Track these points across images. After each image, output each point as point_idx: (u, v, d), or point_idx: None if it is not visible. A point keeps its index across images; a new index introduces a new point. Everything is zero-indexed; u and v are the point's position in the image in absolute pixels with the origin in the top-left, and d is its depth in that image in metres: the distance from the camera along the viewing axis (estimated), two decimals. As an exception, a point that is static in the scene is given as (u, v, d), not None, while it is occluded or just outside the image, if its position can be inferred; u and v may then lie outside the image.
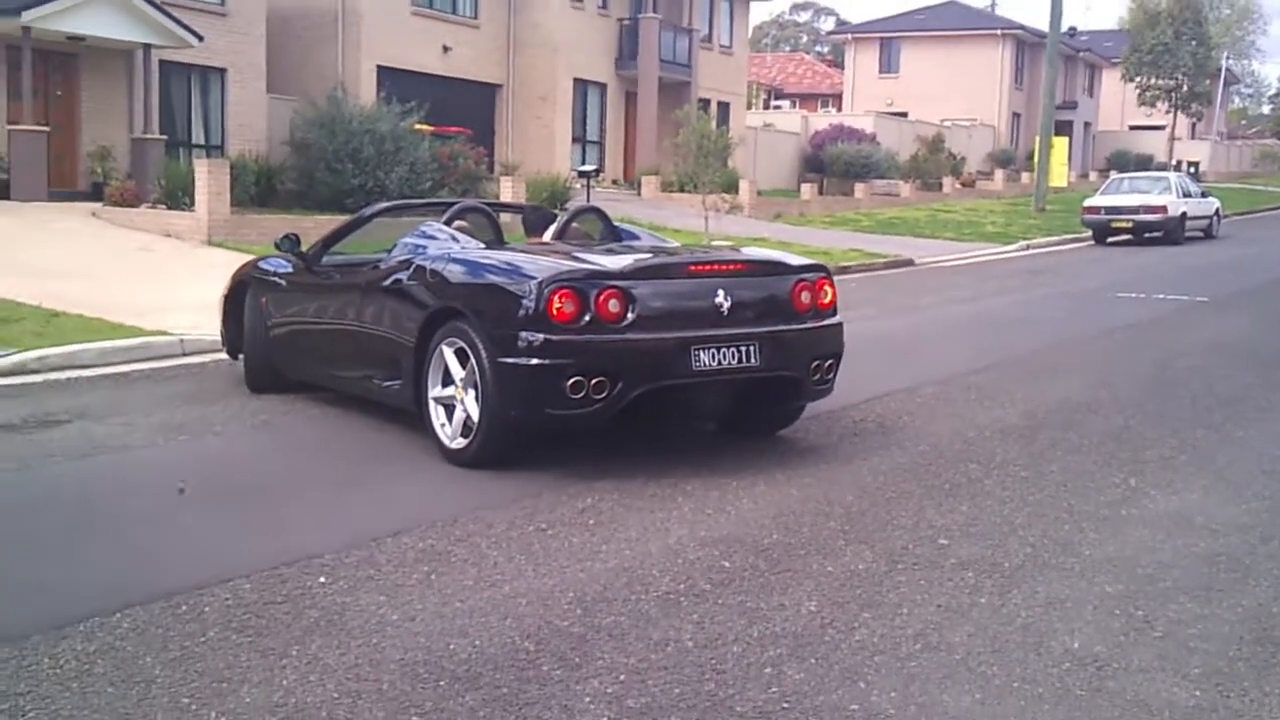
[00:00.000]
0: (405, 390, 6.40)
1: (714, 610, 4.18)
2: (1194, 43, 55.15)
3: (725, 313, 5.92)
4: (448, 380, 6.08)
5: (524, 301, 5.67)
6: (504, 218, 8.65)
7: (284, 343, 7.74)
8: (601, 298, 5.64)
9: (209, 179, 16.71)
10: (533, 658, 3.75)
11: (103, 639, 3.82)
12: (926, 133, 45.41)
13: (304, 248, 7.71)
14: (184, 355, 9.48)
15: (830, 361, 6.46)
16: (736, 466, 6.17)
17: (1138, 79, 56.35)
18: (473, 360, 5.84)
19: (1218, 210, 28.75)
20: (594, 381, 5.58)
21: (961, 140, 47.81)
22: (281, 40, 24.93)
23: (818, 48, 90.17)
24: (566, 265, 5.87)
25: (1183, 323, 12.57)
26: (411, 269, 6.49)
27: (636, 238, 7.61)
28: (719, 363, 5.85)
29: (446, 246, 6.55)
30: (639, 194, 29.46)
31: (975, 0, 59.71)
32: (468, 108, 27.96)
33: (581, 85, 31.50)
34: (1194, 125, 65.96)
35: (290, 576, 4.41)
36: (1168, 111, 57.25)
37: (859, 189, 35.24)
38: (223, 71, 22.99)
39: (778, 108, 57.69)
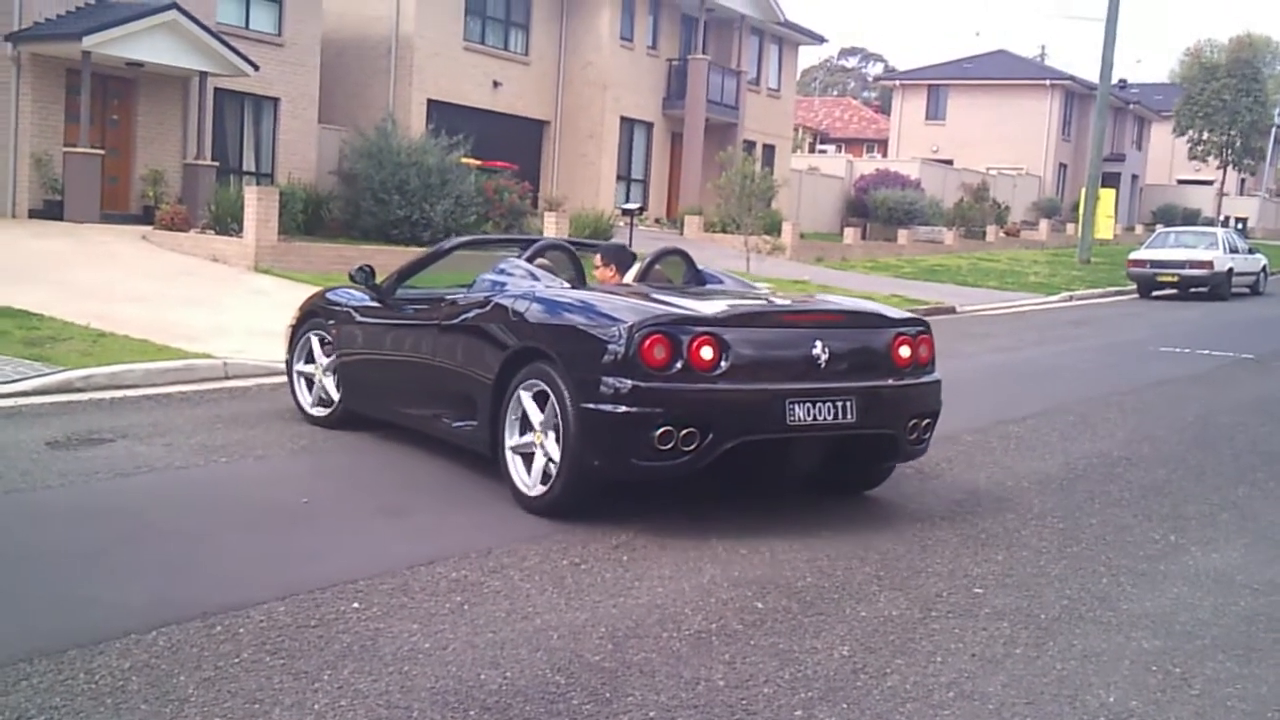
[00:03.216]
0: (480, 432, 6.19)
1: (745, 651, 4.17)
2: (1249, 98, 54.80)
3: (822, 365, 5.64)
4: (526, 424, 5.86)
5: (612, 346, 5.40)
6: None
7: (351, 376, 7.58)
8: (694, 345, 5.36)
9: (258, 206, 16.93)
10: (563, 691, 3.75)
11: (138, 656, 3.85)
12: (972, 181, 45.34)
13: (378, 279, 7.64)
14: (227, 379, 9.58)
15: (928, 420, 6.14)
16: (770, 508, 6.15)
17: (1189, 132, 56.02)
18: (555, 404, 5.60)
19: (1265, 267, 28.48)
20: (684, 432, 5.31)
21: (1006, 189, 47.67)
22: (335, 71, 25.30)
23: (865, 93, 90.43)
24: (658, 309, 5.60)
25: (1227, 379, 12.43)
26: (491, 306, 6.27)
27: (720, 282, 7.27)
28: (814, 418, 5.56)
29: (528, 284, 6.31)
30: (681, 233, 29.56)
31: (1025, 50, 59.70)
32: (515, 143, 28.22)
33: (628, 124, 31.73)
34: (1243, 181, 65.47)
35: (324, 601, 4.44)
36: (1218, 167, 56.87)
37: (902, 235, 35.18)
38: (276, 101, 23.34)
39: (823, 152, 57.78)
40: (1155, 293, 25.72)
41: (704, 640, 4.25)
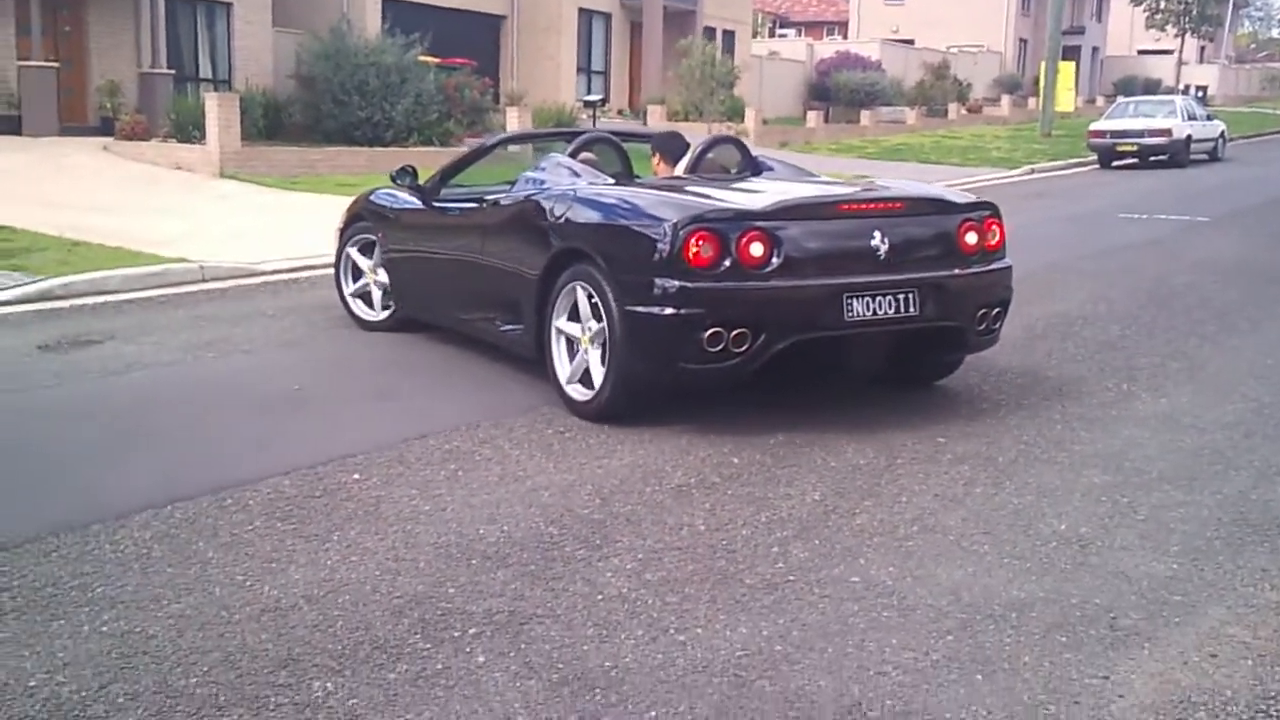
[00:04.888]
0: (526, 335, 6.01)
1: (724, 499, 4.47)
2: (1203, -36, 54.60)
3: (882, 256, 5.32)
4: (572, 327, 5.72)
5: (657, 245, 5.15)
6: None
7: (401, 281, 7.43)
8: (743, 240, 5.09)
9: (219, 112, 16.86)
10: (557, 540, 4.04)
11: (157, 527, 4.11)
12: (933, 60, 45.20)
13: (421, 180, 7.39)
14: (204, 281, 9.72)
15: (998, 310, 5.86)
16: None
17: (1146, 2, 55.80)
18: (600, 307, 5.41)
19: (1223, 133, 28.72)
20: (734, 334, 5.07)
21: (967, 67, 47.55)
22: (285, -28, 24.88)
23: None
24: (703, 204, 5.33)
25: (1182, 242, 12.75)
26: (532, 206, 6.04)
27: (774, 170, 6.92)
28: (875, 312, 5.28)
29: (572, 182, 6.07)
30: (645, 123, 29.48)
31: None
32: (472, 39, 27.94)
33: (586, 15, 31.42)
34: (1202, 49, 65.44)
35: (326, 474, 4.70)
36: (1176, 35, 56.78)
37: (865, 117, 35.20)
38: (229, 6, 22.99)
39: (783, 36, 57.32)
40: (1115, 163, 25.95)
41: (684, 492, 4.55)
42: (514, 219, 6.22)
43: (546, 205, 5.93)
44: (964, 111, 41.19)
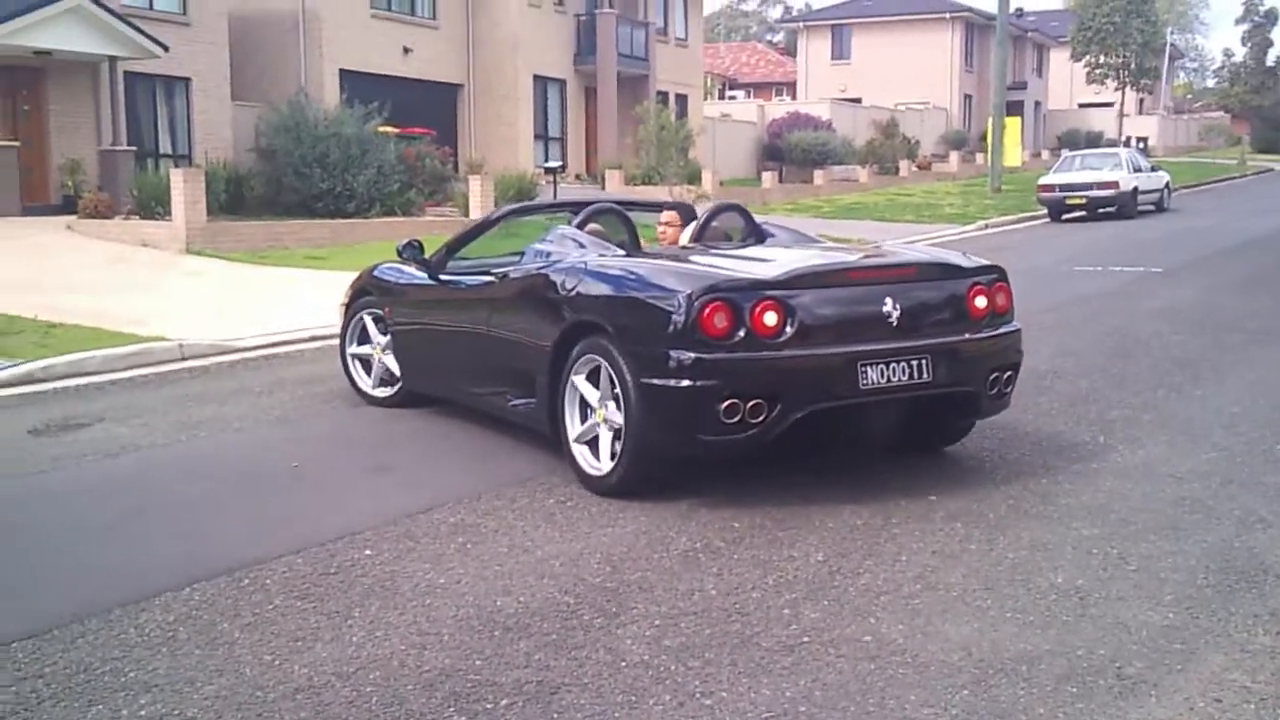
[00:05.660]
0: (539, 410, 5.97)
1: (731, 563, 4.59)
2: (1140, 19, 56.08)
3: (894, 323, 5.34)
4: (586, 403, 5.67)
5: (672, 316, 5.14)
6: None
7: (409, 355, 7.42)
8: (757, 310, 5.10)
9: (185, 188, 16.92)
10: (574, 609, 4.14)
11: (179, 610, 4.18)
12: (881, 118, 46.06)
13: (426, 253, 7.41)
14: (184, 359, 9.76)
15: (1009, 373, 5.87)
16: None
17: (1086, 57, 57.23)
18: (614, 380, 5.38)
19: (1168, 184, 29.44)
20: (750, 404, 5.06)
21: (915, 124, 48.48)
22: (244, 47, 25.09)
23: (768, 36, 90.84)
24: (717, 274, 5.35)
25: (1139, 293, 13.09)
26: (542, 280, 6.03)
27: (778, 236, 6.98)
28: (889, 379, 5.28)
29: (580, 254, 6.06)
30: (603, 188, 29.80)
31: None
32: (431, 108, 28.23)
33: (541, 82, 31.81)
34: (1142, 101, 67.05)
35: (338, 551, 4.78)
36: (1116, 88, 58.18)
37: (818, 176, 35.77)
38: (187, 81, 23.14)
39: (733, 98, 58.20)
40: (1065, 215, 26.53)
41: (692, 557, 4.67)
42: (524, 293, 6.22)
43: (557, 279, 5.92)
44: (914, 168, 41.96)
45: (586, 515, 5.24)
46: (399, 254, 7.47)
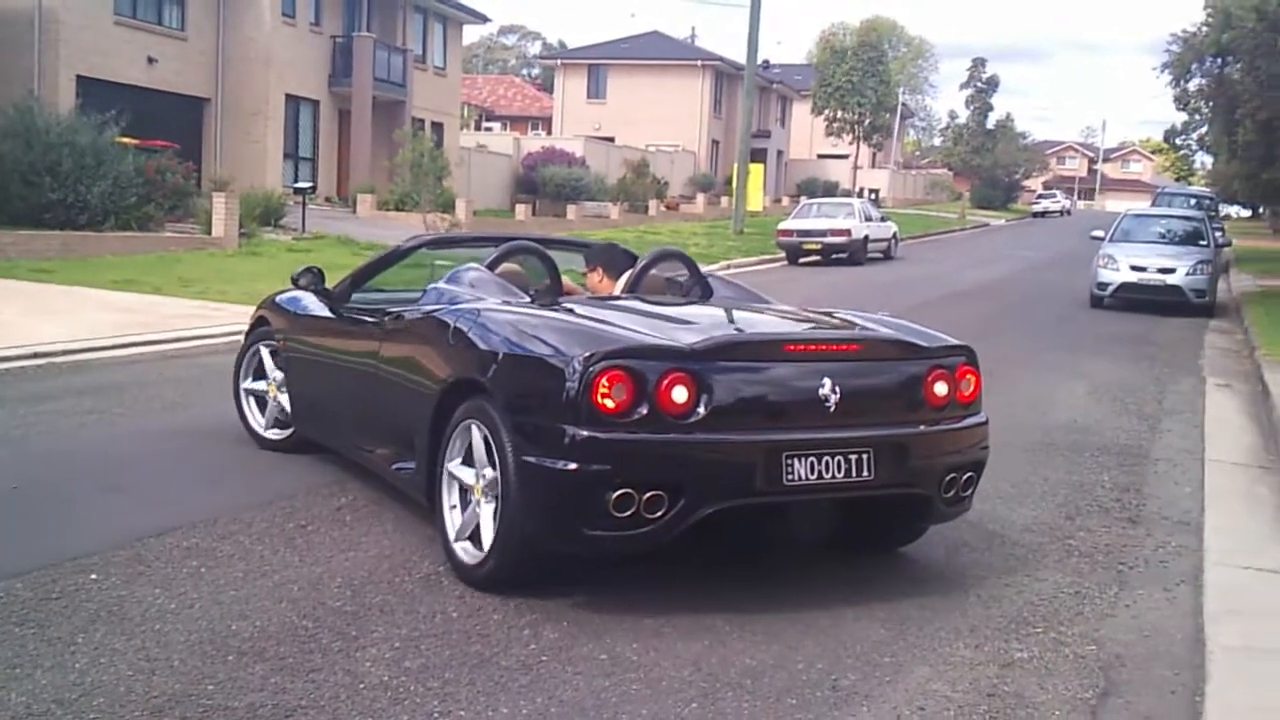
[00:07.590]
0: (418, 476, 5.14)
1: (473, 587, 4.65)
2: (875, 79, 59.55)
3: (832, 408, 4.48)
4: (465, 484, 4.82)
5: (563, 383, 4.27)
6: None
7: (298, 398, 6.60)
8: (664, 383, 4.25)
9: (-106, 191, 15.71)
10: (312, 633, 4.12)
11: (-119, 638, 3.92)
12: (633, 157, 47.13)
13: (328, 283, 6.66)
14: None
15: (969, 474, 4.95)
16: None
17: (826, 111, 60.27)
18: (495, 453, 4.52)
19: (895, 234, 31.34)
20: (648, 496, 4.23)
21: (665, 165, 49.82)
22: (-32, 45, 23.54)
23: (526, 70, 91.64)
24: (619, 336, 4.50)
25: (868, 335, 13.86)
26: (430, 325, 5.20)
27: (726, 292, 6.28)
28: (820, 475, 4.43)
29: (478, 298, 5.29)
30: (354, 212, 29.35)
31: (678, 32, 62.34)
32: (176, 121, 27.12)
33: (294, 101, 31.09)
34: (874, 155, 70.97)
35: (62, 575, 4.58)
36: (851, 142, 61.49)
37: (571, 210, 36.27)
38: (-100, 76, 21.52)
39: (489, 129, 58.34)
40: (802, 259, 27.82)
41: (434, 580, 4.71)
42: (411, 338, 5.40)
43: (449, 322, 5.04)
44: (663, 208, 43.08)
45: (328, 539, 5.20)
46: (293, 281, 6.64)
